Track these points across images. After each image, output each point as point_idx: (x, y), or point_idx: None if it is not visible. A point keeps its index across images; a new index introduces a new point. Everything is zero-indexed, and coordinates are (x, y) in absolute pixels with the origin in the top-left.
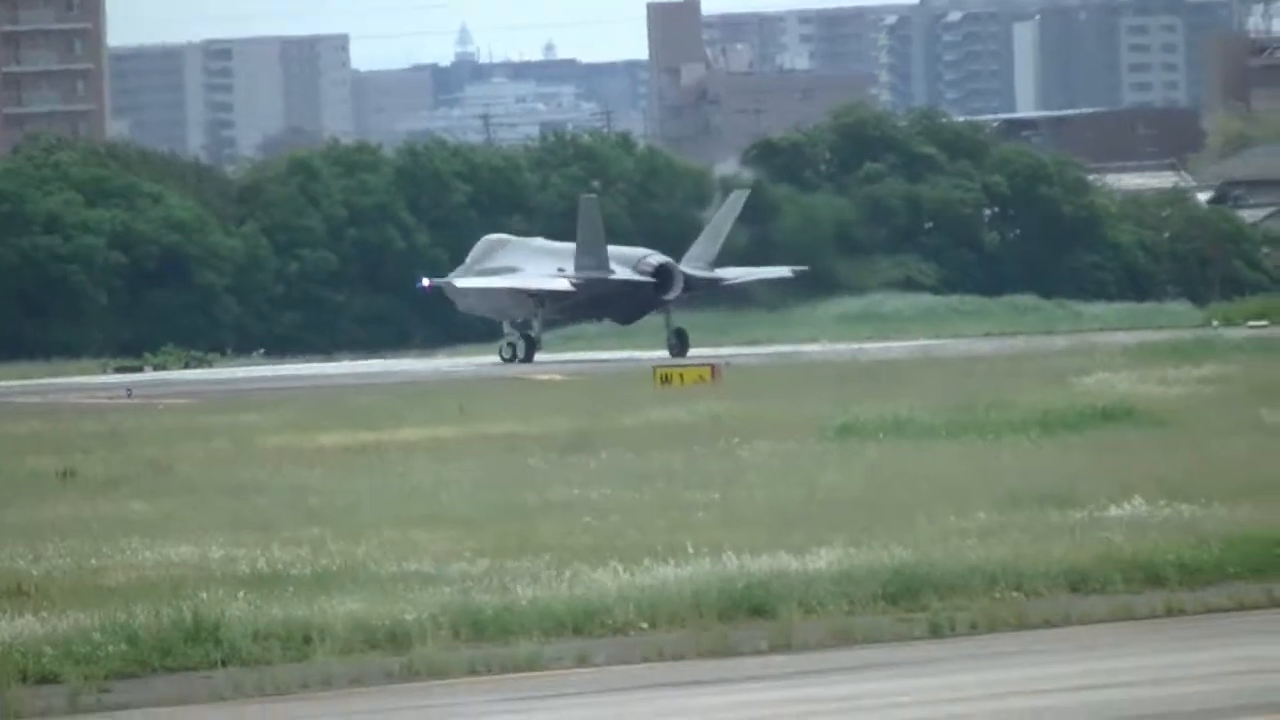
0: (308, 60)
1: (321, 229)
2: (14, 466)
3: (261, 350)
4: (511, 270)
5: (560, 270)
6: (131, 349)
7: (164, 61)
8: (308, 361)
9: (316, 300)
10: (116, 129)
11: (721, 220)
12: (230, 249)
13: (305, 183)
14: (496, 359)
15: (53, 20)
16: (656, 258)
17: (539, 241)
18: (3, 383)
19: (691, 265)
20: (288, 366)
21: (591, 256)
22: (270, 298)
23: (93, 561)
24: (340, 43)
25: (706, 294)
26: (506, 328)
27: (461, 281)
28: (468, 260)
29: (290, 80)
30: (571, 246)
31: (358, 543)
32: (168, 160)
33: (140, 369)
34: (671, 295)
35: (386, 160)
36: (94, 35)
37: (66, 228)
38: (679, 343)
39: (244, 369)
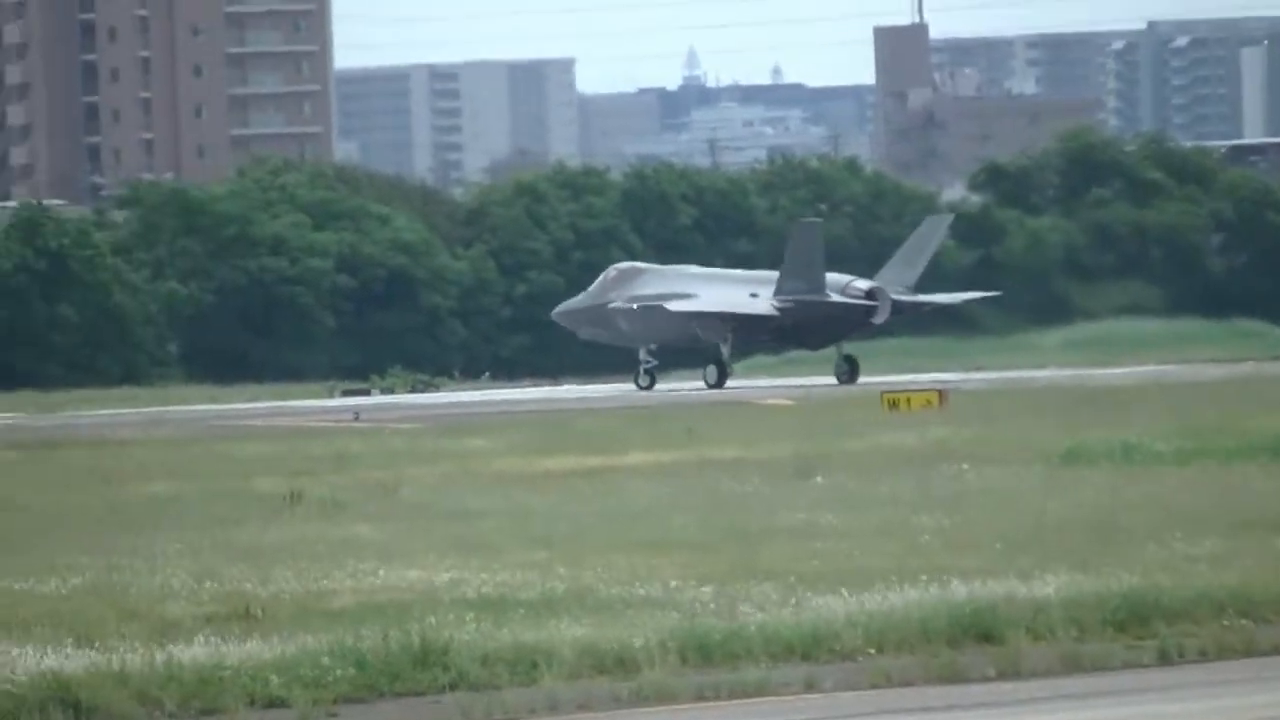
0: (534, 83)
1: (548, 251)
2: (242, 489)
3: (488, 373)
4: (682, 296)
5: (753, 295)
6: (358, 372)
7: (391, 84)
8: (534, 384)
9: (543, 323)
10: (343, 151)
11: (921, 244)
12: (457, 271)
13: (532, 205)
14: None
15: (280, 42)
16: (863, 282)
17: (693, 268)
18: (230, 405)
19: (889, 289)
20: (514, 390)
21: (803, 280)
22: (497, 320)
23: (320, 584)
24: (567, 66)
25: (911, 318)
26: (643, 354)
27: (672, 305)
28: (595, 288)
29: (517, 103)
30: (725, 272)
31: (585, 567)
32: (394, 182)
33: (367, 392)
34: (879, 319)
35: (613, 183)
36: (321, 57)
37: (293, 250)
38: (849, 370)
39: (471, 392)
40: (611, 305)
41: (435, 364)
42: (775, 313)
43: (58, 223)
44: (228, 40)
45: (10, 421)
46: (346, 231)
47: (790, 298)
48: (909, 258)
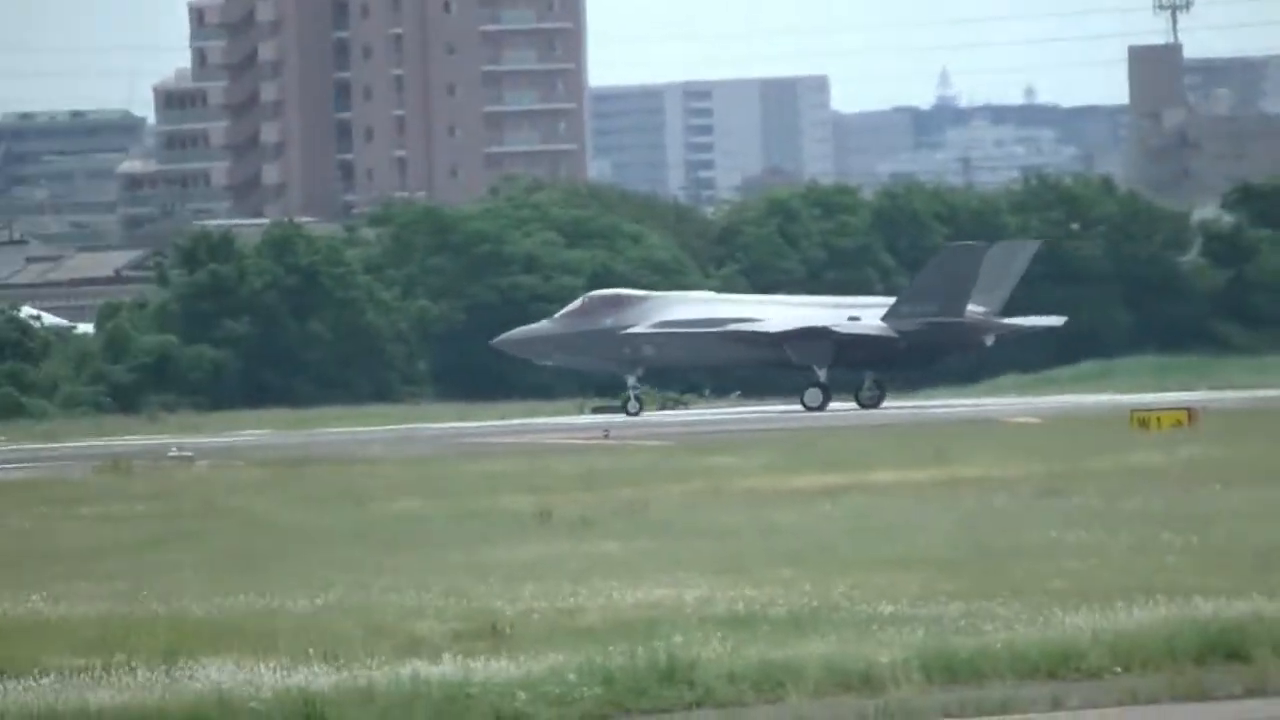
0: (787, 101)
1: (800, 270)
2: (491, 507)
3: (738, 392)
4: (742, 320)
5: (853, 318)
6: (609, 389)
7: (644, 101)
8: (785, 403)
9: None
10: (597, 169)
11: (1004, 268)
12: (710, 290)
13: (784, 224)
14: (625, 413)
15: (535, 61)
16: (974, 307)
17: (698, 293)
18: (480, 422)
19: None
20: (764, 408)
21: (935, 303)
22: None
23: (568, 602)
24: (820, 84)
25: (1000, 345)
26: (632, 381)
27: (760, 327)
28: (569, 315)
29: (769, 121)
30: (744, 296)
31: (832, 584)
32: (647, 201)
33: (618, 409)
34: (989, 343)
35: (865, 202)
36: (575, 76)
37: (546, 268)
38: (878, 394)
39: (720, 410)
40: (627, 331)
41: (686, 382)
42: (895, 334)
43: (309, 240)
44: (483, 58)
45: (260, 439)
46: (599, 250)
47: (920, 319)
48: (993, 282)
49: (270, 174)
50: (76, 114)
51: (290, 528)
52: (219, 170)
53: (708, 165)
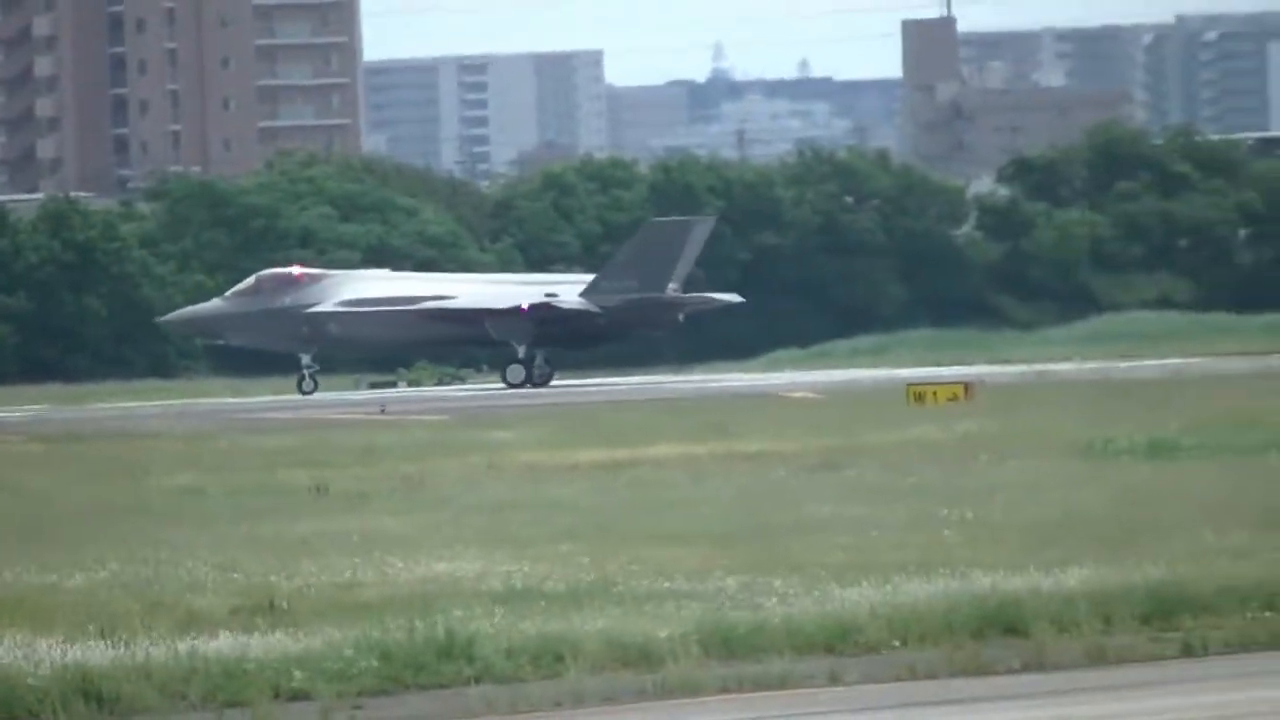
0: (563, 76)
1: (575, 245)
2: (268, 481)
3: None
4: (437, 297)
5: (550, 294)
6: (385, 365)
7: (418, 76)
8: (560, 378)
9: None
10: (372, 143)
11: (687, 246)
12: (485, 264)
13: (559, 198)
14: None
15: (308, 34)
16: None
17: (378, 271)
18: (255, 398)
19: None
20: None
21: (637, 278)
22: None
23: (345, 576)
24: (595, 58)
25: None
26: (306, 360)
27: (457, 304)
28: (245, 294)
29: (545, 95)
30: (425, 275)
31: (610, 559)
32: (422, 175)
33: (394, 385)
34: (681, 318)
35: (641, 176)
36: (349, 50)
37: (322, 242)
38: (549, 372)
39: (495, 385)
40: (314, 309)
41: (461, 357)
42: (596, 310)
43: (85, 215)
44: (256, 32)
45: (36, 414)
46: (375, 224)
47: (621, 295)
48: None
49: (45, 148)
50: None
51: (68, 503)
52: None
53: (483, 140)
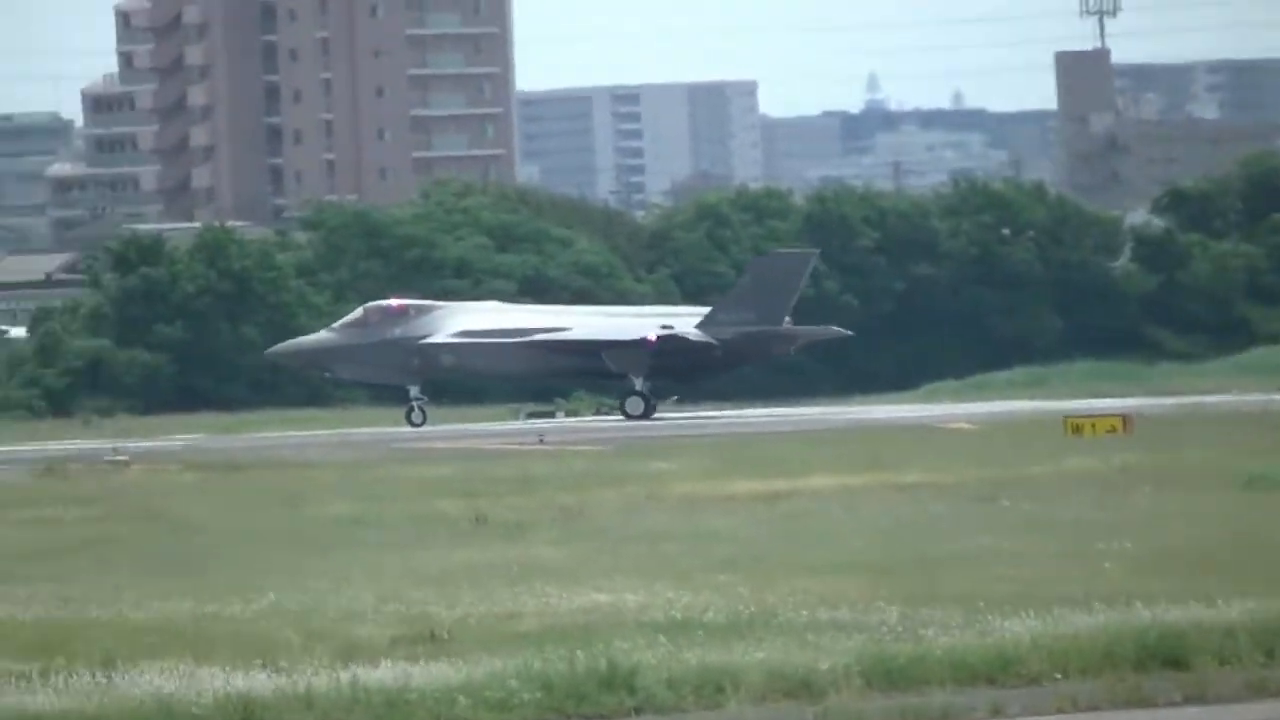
0: (717, 105)
1: (731, 275)
2: (426, 510)
3: (675, 397)
4: (553, 329)
5: (666, 326)
6: (543, 395)
7: (572, 106)
8: (720, 409)
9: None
10: (525, 173)
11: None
12: (641, 295)
13: (714, 228)
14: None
15: (462, 64)
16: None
17: (488, 304)
18: (429, 427)
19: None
20: (700, 413)
21: (754, 311)
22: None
23: (505, 606)
24: (749, 88)
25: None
26: (415, 392)
27: (573, 335)
28: (354, 327)
29: (699, 125)
30: (542, 307)
31: (769, 590)
32: (577, 205)
33: (552, 415)
34: (794, 350)
35: (795, 206)
36: (503, 79)
37: (477, 272)
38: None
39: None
40: (428, 341)
41: (621, 388)
42: (713, 342)
43: (241, 245)
44: (410, 62)
45: (193, 443)
46: (530, 254)
47: (738, 327)
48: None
49: (200, 177)
50: (3, 117)
51: (227, 532)
52: (148, 174)
53: (637, 170)
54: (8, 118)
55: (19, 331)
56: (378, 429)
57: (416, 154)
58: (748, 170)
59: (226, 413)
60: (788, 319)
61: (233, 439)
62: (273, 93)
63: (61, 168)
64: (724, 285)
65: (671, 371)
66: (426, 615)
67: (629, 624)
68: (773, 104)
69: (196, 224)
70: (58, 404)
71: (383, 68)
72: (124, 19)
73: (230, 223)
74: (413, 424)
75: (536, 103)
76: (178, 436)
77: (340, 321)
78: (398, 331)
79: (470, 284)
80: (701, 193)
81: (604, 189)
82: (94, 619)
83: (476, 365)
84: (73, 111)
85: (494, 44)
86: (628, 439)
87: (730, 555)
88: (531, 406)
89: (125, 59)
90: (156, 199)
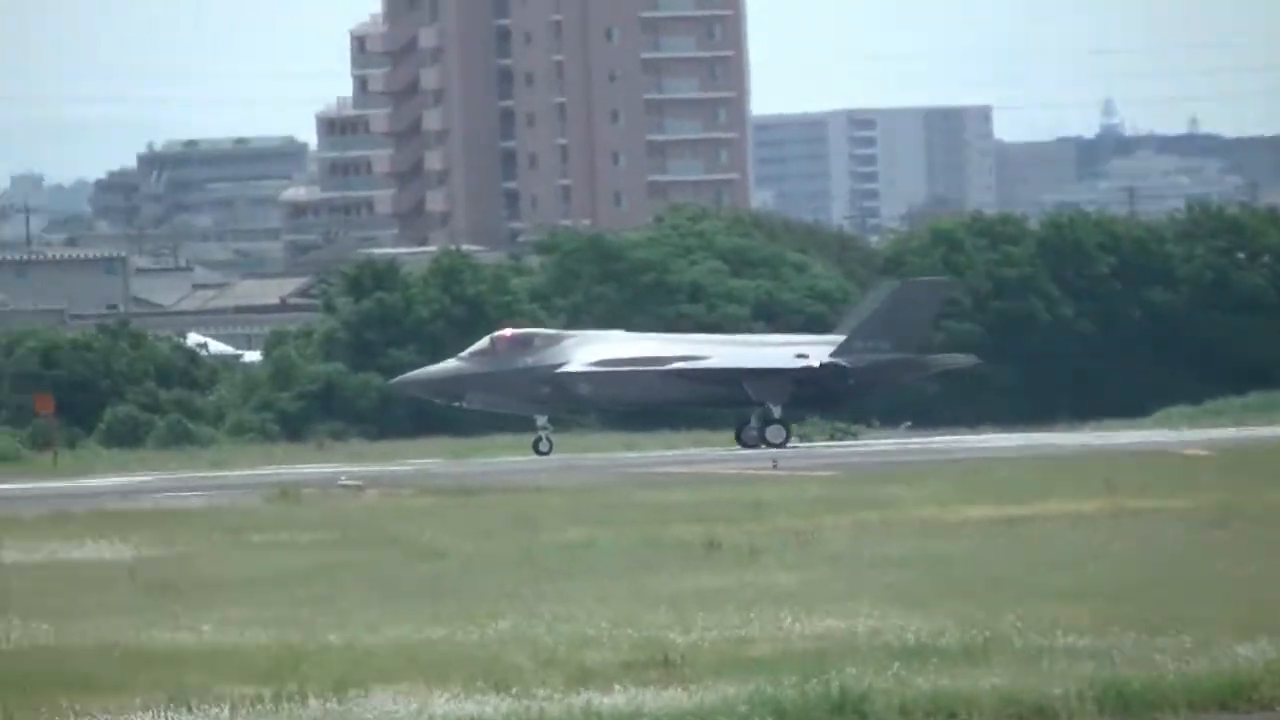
0: (952, 130)
1: (966, 300)
2: (659, 535)
3: (908, 423)
4: (688, 357)
5: (801, 355)
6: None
7: (807, 130)
8: (953, 434)
9: (961, 372)
10: (759, 198)
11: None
12: None
13: (948, 254)
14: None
15: (696, 89)
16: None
17: (615, 333)
18: (646, 452)
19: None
20: (933, 439)
21: (889, 339)
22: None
23: (738, 632)
24: (984, 114)
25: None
26: (542, 421)
27: (709, 364)
28: (483, 355)
29: (933, 150)
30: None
31: (1002, 615)
32: (811, 230)
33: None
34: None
35: (1030, 232)
36: (737, 104)
37: (711, 297)
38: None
39: (889, 441)
40: (564, 369)
41: (853, 412)
42: (851, 370)
43: (475, 269)
44: (645, 86)
45: (428, 467)
46: (764, 279)
47: (875, 355)
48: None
49: (434, 201)
50: (240, 141)
51: (460, 556)
52: (383, 198)
53: (871, 194)
54: (243, 141)
55: (253, 356)
56: (610, 454)
57: (651, 178)
58: (982, 195)
59: (460, 437)
60: (919, 348)
61: (466, 463)
62: (507, 117)
63: (296, 192)
64: (957, 311)
65: (807, 401)
66: (659, 640)
67: (861, 649)
68: (1007, 129)
69: (430, 248)
70: (291, 428)
71: (618, 92)
72: (359, 43)
73: (464, 247)
74: (540, 453)
75: (771, 127)
76: (411, 460)
77: (468, 350)
78: (529, 360)
79: (704, 309)
80: (936, 218)
81: (838, 214)
82: (327, 643)
83: (613, 394)
84: (307, 135)
85: (730, 68)
86: (861, 464)
87: (964, 580)
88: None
89: (360, 83)
90: (390, 223)
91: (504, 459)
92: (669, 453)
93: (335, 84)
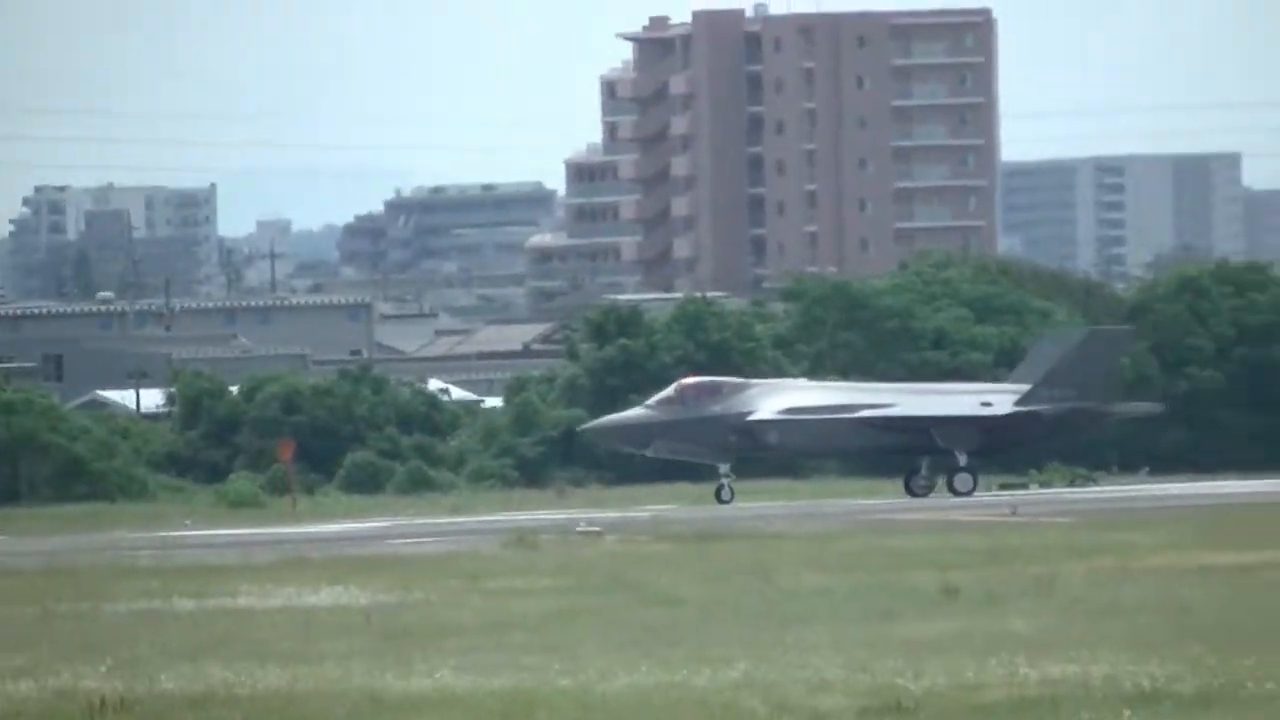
0: (1199, 177)
1: (1210, 348)
2: (896, 581)
3: (1147, 469)
4: (876, 405)
5: (985, 403)
6: (1015, 468)
7: (1055, 177)
8: (1193, 480)
9: (1204, 418)
10: (1006, 244)
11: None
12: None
13: (1194, 301)
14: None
15: (945, 136)
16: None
17: (800, 380)
18: (884, 499)
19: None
20: (1173, 485)
21: (1074, 387)
22: (1155, 416)
23: (973, 678)
24: (1233, 160)
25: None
26: (724, 469)
27: (899, 411)
28: (670, 404)
29: (1181, 198)
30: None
31: (1239, 661)
32: (1057, 276)
33: (1025, 486)
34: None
35: (1276, 280)
36: (987, 150)
37: (955, 344)
38: (929, 483)
39: (1128, 486)
40: (754, 418)
41: (1091, 458)
42: (1036, 418)
43: (720, 316)
44: (893, 134)
45: (667, 514)
46: (1008, 326)
47: (1060, 403)
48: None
49: (681, 248)
50: (487, 187)
51: (694, 602)
52: (629, 244)
53: (1118, 241)
54: (490, 188)
55: (494, 401)
56: (849, 501)
57: (898, 225)
58: (1229, 243)
59: (697, 483)
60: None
61: (703, 510)
62: (755, 163)
63: (542, 238)
64: (1199, 359)
65: (990, 448)
66: (894, 686)
67: (1095, 695)
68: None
69: (676, 294)
70: (530, 474)
71: (867, 139)
72: (610, 89)
73: (709, 293)
74: (722, 501)
75: (1018, 174)
76: (649, 506)
77: (655, 398)
78: (716, 409)
79: (947, 355)
80: (1182, 265)
81: (1084, 261)
82: (559, 688)
83: (801, 442)
84: (555, 181)
85: (980, 115)
86: (1098, 509)
87: (1202, 627)
88: (1003, 478)
89: (609, 129)
90: (635, 269)
91: (745, 505)
92: (882, 501)
93: (585, 131)
